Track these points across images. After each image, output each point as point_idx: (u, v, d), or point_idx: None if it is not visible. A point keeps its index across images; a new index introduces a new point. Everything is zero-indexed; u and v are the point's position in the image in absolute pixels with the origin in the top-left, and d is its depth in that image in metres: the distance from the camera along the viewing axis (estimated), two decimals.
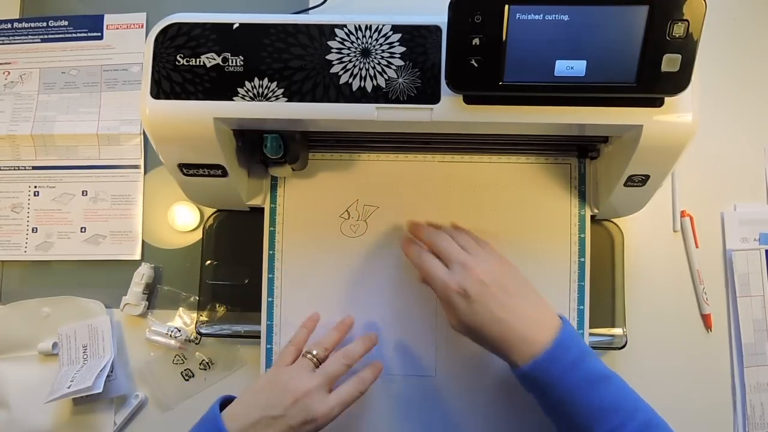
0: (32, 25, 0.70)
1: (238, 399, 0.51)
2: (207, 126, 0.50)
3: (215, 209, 0.66)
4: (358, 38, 0.49)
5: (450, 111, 0.49)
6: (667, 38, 0.43)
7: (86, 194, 0.69)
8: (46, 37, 0.70)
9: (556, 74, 0.45)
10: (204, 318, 0.65)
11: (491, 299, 0.48)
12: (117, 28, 0.70)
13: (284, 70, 0.49)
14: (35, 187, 0.69)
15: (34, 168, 0.69)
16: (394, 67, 0.49)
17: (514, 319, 0.48)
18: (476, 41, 0.45)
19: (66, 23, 0.70)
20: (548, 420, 0.49)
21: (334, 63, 0.49)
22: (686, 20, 0.42)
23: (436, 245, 0.53)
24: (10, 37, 0.70)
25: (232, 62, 0.49)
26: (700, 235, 0.66)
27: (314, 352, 0.53)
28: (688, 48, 0.43)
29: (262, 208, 0.62)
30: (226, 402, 0.51)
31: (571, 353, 0.47)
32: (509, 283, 0.50)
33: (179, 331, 0.65)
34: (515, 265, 0.52)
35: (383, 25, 0.49)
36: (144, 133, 0.68)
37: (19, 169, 0.69)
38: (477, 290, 0.48)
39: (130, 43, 0.70)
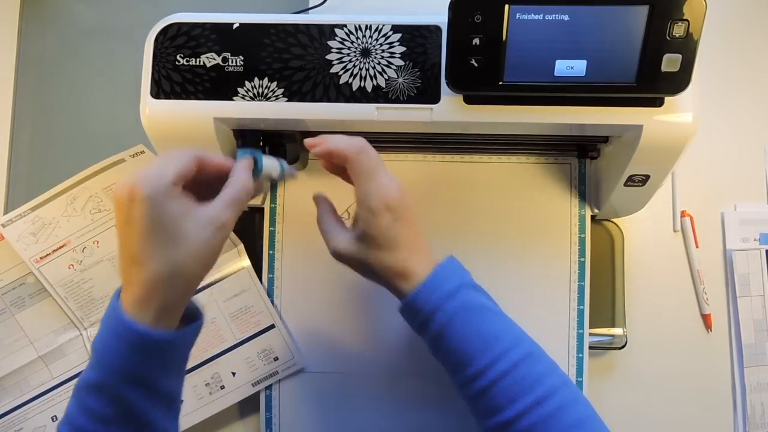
0: None
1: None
2: (207, 126, 0.50)
3: None
4: (358, 38, 0.49)
5: (450, 111, 0.49)
6: (668, 38, 0.43)
7: (56, 419, 0.61)
8: None
9: (556, 74, 0.45)
10: None
11: (409, 218, 0.45)
12: None
13: (284, 70, 0.49)
14: None
15: None
16: (394, 67, 0.49)
17: (414, 242, 0.45)
18: (476, 41, 0.45)
19: None
20: None
21: (334, 63, 0.49)
22: (686, 20, 0.42)
23: (372, 153, 0.46)
24: None
25: (232, 62, 0.49)
26: (700, 235, 0.66)
27: None
28: (688, 48, 0.43)
29: (262, 208, 0.62)
30: None
31: (450, 282, 0.44)
32: (410, 203, 0.46)
33: None
34: None
35: (383, 25, 0.49)
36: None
37: None
38: (404, 206, 0.45)
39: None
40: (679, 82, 0.44)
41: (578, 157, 0.61)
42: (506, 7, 0.43)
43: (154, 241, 0.38)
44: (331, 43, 0.49)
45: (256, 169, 0.45)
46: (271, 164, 0.48)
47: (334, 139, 0.46)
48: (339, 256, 0.47)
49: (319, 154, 0.46)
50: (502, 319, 0.45)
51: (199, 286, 0.59)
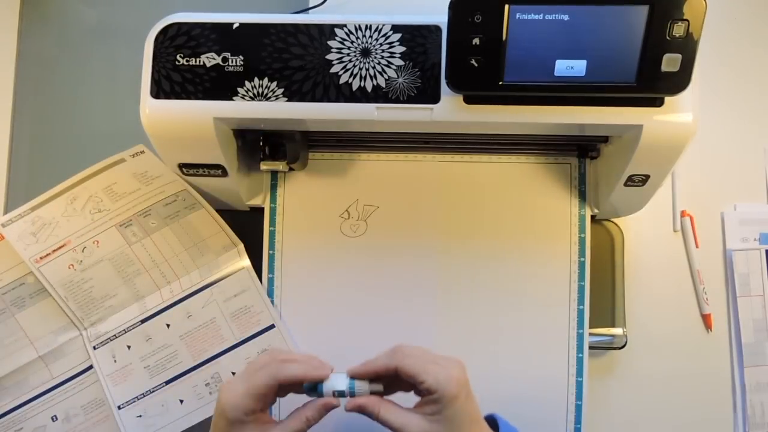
0: None
1: None
2: (207, 126, 0.50)
3: (215, 209, 0.66)
4: (358, 38, 0.49)
5: (450, 111, 0.49)
6: (667, 38, 0.43)
7: (56, 419, 0.61)
8: None
9: (556, 74, 0.45)
10: None
11: (471, 388, 0.46)
12: None
13: (284, 70, 0.49)
14: None
15: None
16: (394, 67, 0.49)
17: (478, 411, 0.46)
18: (476, 41, 0.45)
19: None
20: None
21: (334, 63, 0.49)
22: (686, 20, 0.43)
23: (409, 350, 0.46)
24: None
25: (232, 62, 0.49)
26: (700, 235, 0.66)
27: None
28: (688, 48, 0.43)
29: (262, 208, 0.62)
30: None
31: None
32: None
33: None
34: None
35: (383, 25, 0.49)
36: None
37: None
38: (468, 379, 0.46)
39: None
40: (679, 81, 0.44)
41: (578, 157, 0.61)
42: (506, 7, 0.43)
43: None
44: (331, 43, 0.49)
45: (316, 390, 0.47)
46: (335, 384, 0.47)
47: (374, 364, 0.47)
48: None
49: (369, 374, 0.47)
50: None
51: (200, 287, 0.60)
